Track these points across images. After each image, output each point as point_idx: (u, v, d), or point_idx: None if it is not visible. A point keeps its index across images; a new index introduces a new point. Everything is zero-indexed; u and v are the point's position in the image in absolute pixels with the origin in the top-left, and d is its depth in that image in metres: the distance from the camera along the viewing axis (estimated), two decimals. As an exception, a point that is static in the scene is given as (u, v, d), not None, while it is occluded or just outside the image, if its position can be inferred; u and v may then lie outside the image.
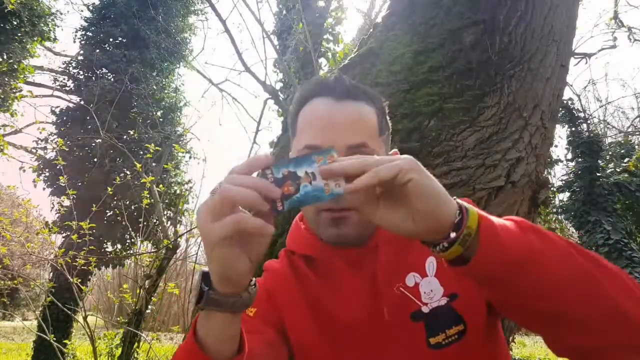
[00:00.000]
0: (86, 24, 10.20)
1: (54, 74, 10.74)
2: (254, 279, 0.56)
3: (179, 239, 4.29)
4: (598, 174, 6.30)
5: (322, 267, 0.77)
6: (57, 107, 9.55)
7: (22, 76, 8.86)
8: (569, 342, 0.53)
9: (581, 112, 6.84)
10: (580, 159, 6.48)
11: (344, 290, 0.73)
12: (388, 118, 0.80)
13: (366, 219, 0.70)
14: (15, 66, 8.63)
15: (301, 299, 0.76)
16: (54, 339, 3.33)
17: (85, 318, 3.29)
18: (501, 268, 0.49)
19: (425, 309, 0.68)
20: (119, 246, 8.88)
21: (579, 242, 6.38)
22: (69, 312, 3.92)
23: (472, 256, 0.48)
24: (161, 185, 5.91)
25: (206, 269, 0.54)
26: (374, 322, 0.69)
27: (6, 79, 8.56)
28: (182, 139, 9.19)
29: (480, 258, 0.48)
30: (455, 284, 0.69)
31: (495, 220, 0.51)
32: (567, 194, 6.77)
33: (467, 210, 0.49)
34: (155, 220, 5.79)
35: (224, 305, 0.52)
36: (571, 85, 7.34)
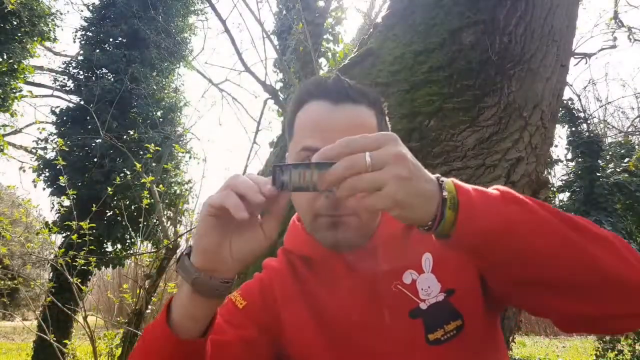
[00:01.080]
0: (86, 24, 10.20)
1: (54, 74, 10.75)
2: (234, 278, 0.59)
3: (179, 239, 4.29)
4: (598, 174, 6.30)
5: (320, 268, 0.76)
6: (57, 107, 9.55)
7: (22, 76, 8.86)
8: (572, 312, 0.54)
9: (581, 112, 6.84)
10: (580, 159, 6.48)
11: (342, 291, 0.73)
12: (387, 119, 0.80)
13: (365, 222, 0.70)
14: (15, 66, 8.63)
15: (299, 299, 0.75)
16: (54, 339, 3.33)
17: (85, 318, 3.29)
18: (479, 239, 0.51)
19: (423, 306, 0.68)
20: (119, 246, 8.87)
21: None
22: (69, 312, 3.92)
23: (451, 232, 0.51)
24: (161, 185, 5.91)
25: None
26: (374, 324, 0.69)
27: (6, 79, 8.56)
28: (182, 139, 9.19)
29: (458, 233, 0.51)
30: (452, 279, 0.70)
31: (475, 193, 0.52)
32: (567, 194, 6.77)
33: (446, 200, 0.51)
34: (155, 220, 5.79)
35: (188, 275, 0.55)
36: (571, 85, 7.34)
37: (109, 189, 4.55)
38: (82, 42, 10.08)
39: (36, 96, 10.88)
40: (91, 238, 3.66)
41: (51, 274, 7.73)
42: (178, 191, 9.46)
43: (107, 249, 8.73)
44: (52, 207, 8.77)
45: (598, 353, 6.30)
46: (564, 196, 6.93)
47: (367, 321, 0.69)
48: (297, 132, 0.74)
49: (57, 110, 9.38)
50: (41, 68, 11.03)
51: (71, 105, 9.75)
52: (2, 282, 6.36)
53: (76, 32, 10.15)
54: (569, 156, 6.77)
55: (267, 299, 0.77)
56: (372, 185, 0.48)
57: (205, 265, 0.55)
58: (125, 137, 8.47)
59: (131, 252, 8.35)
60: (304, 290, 0.76)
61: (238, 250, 0.56)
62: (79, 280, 3.36)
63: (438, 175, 0.54)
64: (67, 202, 7.68)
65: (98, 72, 9.47)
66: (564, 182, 6.80)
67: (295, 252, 0.81)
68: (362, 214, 0.69)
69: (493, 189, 0.55)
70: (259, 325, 0.73)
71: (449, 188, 0.51)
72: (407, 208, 0.49)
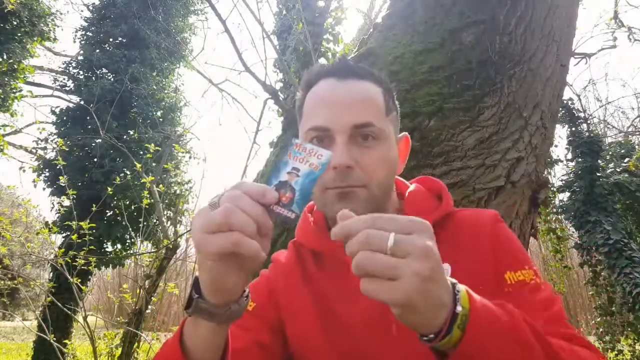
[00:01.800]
0: (86, 24, 10.20)
1: (54, 74, 10.75)
2: (246, 290, 0.56)
3: (179, 239, 4.29)
4: (598, 174, 6.29)
5: (330, 262, 0.74)
6: (57, 107, 9.55)
7: (22, 76, 8.86)
8: None
9: (581, 112, 6.84)
10: (580, 159, 6.47)
11: (351, 287, 0.69)
12: (395, 99, 0.78)
13: (374, 195, 0.68)
14: (15, 66, 8.63)
15: (307, 295, 0.73)
16: (54, 339, 3.33)
17: (85, 318, 3.29)
18: None
19: None
20: (119, 246, 8.87)
21: (579, 242, 6.39)
22: (69, 312, 3.92)
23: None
24: (161, 185, 5.91)
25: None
26: (380, 325, 0.67)
27: (6, 79, 8.56)
28: (182, 139, 9.19)
29: (456, 354, 0.46)
30: None
31: (485, 314, 0.47)
32: (567, 194, 6.77)
33: (457, 316, 0.45)
34: (155, 220, 5.79)
35: (211, 315, 0.52)
36: (571, 85, 7.34)
37: (109, 189, 4.56)
38: (82, 42, 10.09)
39: (36, 96, 10.89)
40: (91, 238, 3.66)
41: (51, 274, 7.73)
42: (178, 191, 9.46)
43: (107, 249, 8.73)
44: (52, 207, 8.77)
45: (598, 353, 6.29)
46: (564, 196, 6.92)
47: (374, 324, 0.67)
48: (305, 112, 0.73)
49: (57, 110, 9.38)
50: (41, 68, 11.03)
51: (71, 105, 9.75)
52: (2, 282, 6.37)
53: (76, 32, 10.15)
54: (569, 156, 6.77)
55: (273, 299, 0.76)
56: (386, 271, 0.43)
57: (226, 301, 0.52)
58: (125, 137, 8.47)
59: (131, 252, 8.35)
60: (312, 287, 0.74)
61: (247, 274, 0.53)
62: (79, 280, 3.36)
63: (454, 281, 0.48)
64: (67, 202, 7.68)
65: (98, 72, 9.47)
66: (564, 182, 6.79)
67: (305, 245, 0.79)
68: (371, 186, 0.67)
69: (505, 313, 0.49)
70: (271, 327, 0.72)
71: (464, 302, 0.46)
72: (415, 312, 0.44)
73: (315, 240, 0.77)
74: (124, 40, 9.87)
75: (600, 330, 6.31)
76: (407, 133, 0.82)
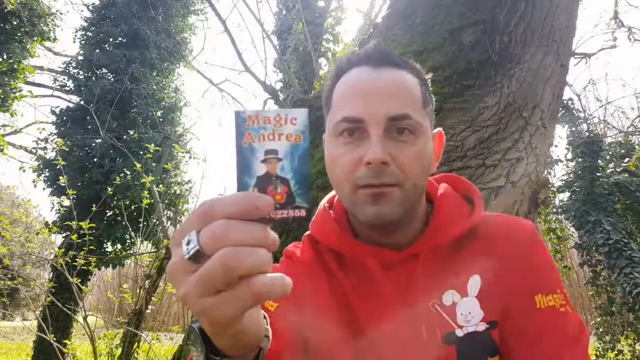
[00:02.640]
0: (86, 24, 10.20)
1: (54, 74, 10.74)
2: (268, 329, 0.48)
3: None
4: (598, 174, 6.29)
5: (353, 265, 0.68)
6: (57, 107, 9.54)
7: (22, 76, 8.86)
8: None
9: (581, 112, 6.84)
10: (580, 159, 6.47)
11: (377, 296, 0.64)
12: (431, 91, 0.73)
13: (409, 196, 0.61)
14: (15, 66, 8.63)
15: (331, 298, 0.66)
16: (54, 339, 3.33)
17: (85, 318, 3.29)
18: None
19: (459, 332, 0.60)
20: (119, 246, 8.88)
21: (579, 242, 6.39)
22: (69, 312, 3.92)
23: None
24: (161, 185, 5.91)
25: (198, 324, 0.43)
26: (407, 340, 0.61)
27: (6, 79, 8.56)
28: (182, 139, 9.19)
29: None
30: (498, 311, 0.61)
31: None
32: (567, 194, 6.77)
33: None
34: (155, 220, 5.79)
35: None
36: (571, 85, 7.34)
37: (109, 189, 4.56)
38: (82, 42, 10.08)
39: (36, 96, 10.87)
40: (91, 238, 3.66)
41: (51, 274, 7.73)
42: (178, 191, 9.46)
43: (107, 249, 8.73)
44: (52, 207, 8.77)
45: (598, 353, 6.30)
46: (564, 196, 6.92)
47: (400, 336, 0.61)
48: (336, 102, 0.66)
49: (57, 110, 9.38)
50: (41, 68, 11.02)
51: (71, 105, 9.75)
52: (2, 282, 6.36)
53: (76, 32, 10.15)
54: (569, 156, 6.77)
55: (291, 299, 0.69)
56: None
57: (247, 349, 0.44)
58: (125, 137, 8.47)
59: (131, 252, 8.35)
60: (335, 290, 0.67)
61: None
62: (79, 280, 3.36)
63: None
64: (67, 202, 7.67)
65: (98, 72, 9.47)
66: (564, 182, 6.79)
67: (323, 242, 0.71)
68: (406, 186, 0.61)
69: None
70: (294, 329, 0.65)
71: None
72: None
73: (337, 241, 0.69)
74: (124, 40, 9.87)
75: (600, 330, 6.31)
76: (441, 129, 0.75)
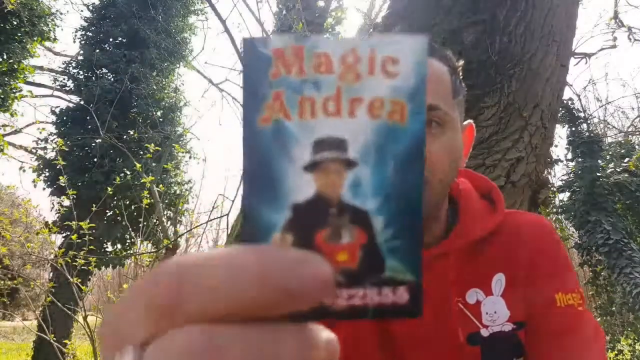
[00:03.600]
0: (86, 24, 10.21)
1: (54, 74, 10.74)
2: None
3: (179, 239, 4.29)
4: (598, 174, 6.29)
5: None
6: (57, 107, 9.56)
7: (22, 76, 8.86)
8: None
9: (581, 112, 6.84)
10: (580, 159, 6.47)
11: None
12: (462, 80, 0.69)
13: (435, 193, 0.58)
14: (15, 66, 8.63)
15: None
16: (54, 339, 3.33)
17: (85, 318, 3.29)
18: None
19: (484, 332, 0.58)
20: (119, 246, 8.88)
21: (579, 242, 6.39)
22: (69, 312, 3.92)
23: None
24: (161, 185, 5.92)
25: None
26: (430, 338, 0.59)
27: (6, 79, 8.56)
28: (182, 139, 9.20)
29: None
30: (524, 311, 0.60)
31: None
32: (567, 194, 6.78)
33: None
34: (155, 220, 5.79)
35: None
36: (571, 85, 7.34)
37: (109, 189, 4.56)
38: (82, 42, 10.09)
39: (36, 96, 10.87)
40: (91, 238, 3.66)
41: (51, 274, 7.73)
42: (178, 191, 9.47)
43: (107, 249, 8.73)
44: (52, 207, 8.77)
45: (598, 353, 6.30)
46: (564, 196, 6.93)
47: (423, 335, 0.59)
48: None
49: (57, 110, 9.39)
50: (41, 68, 11.02)
51: (71, 105, 9.76)
52: (2, 282, 6.37)
53: (76, 32, 10.16)
54: (569, 156, 6.77)
55: None
56: None
57: None
58: (125, 137, 8.48)
59: (131, 252, 8.35)
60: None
61: None
62: (79, 280, 3.36)
63: None
64: (67, 202, 7.68)
65: (98, 72, 9.48)
66: (564, 182, 6.80)
67: None
68: (433, 182, 0.57)
69: None
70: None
71: None
72: None
73: None
74: (124, 40, 9.87)
75: (600, 330, 6.31)
76: (472, 121, 0.71)
